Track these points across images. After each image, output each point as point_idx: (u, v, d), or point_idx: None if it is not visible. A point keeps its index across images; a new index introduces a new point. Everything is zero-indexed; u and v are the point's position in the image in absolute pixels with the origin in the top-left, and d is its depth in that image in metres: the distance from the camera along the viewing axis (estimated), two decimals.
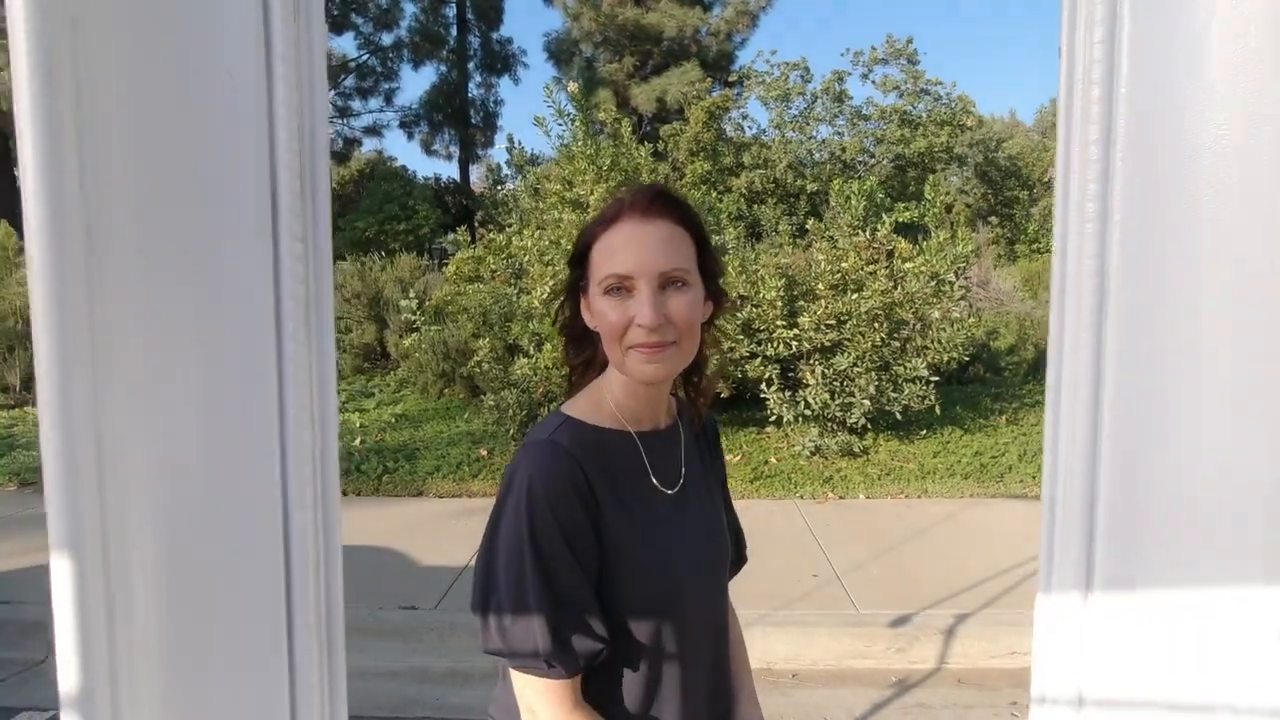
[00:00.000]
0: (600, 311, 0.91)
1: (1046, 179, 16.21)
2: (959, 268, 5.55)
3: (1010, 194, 15.92)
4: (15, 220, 8.12)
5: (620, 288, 0.90)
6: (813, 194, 12.16)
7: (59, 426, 0.26)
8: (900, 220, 6.33)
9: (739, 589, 1.14)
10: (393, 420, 6.56)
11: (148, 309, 0.29)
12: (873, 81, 13.73)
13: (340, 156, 25.69)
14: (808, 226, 7.60)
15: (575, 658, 0.86)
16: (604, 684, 0.93)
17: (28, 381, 6.69)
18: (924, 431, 5.90)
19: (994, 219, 15.94)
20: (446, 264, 8.43)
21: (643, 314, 0.87)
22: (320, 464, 0.32)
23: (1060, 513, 0.32)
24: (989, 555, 3.97)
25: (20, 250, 7.28)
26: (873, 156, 13.04)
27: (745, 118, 14.24)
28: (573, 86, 6.56)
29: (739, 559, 1.16)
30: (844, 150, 13.04)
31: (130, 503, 0.28)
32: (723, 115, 13.33)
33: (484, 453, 5.68)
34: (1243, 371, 0.30)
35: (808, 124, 13.11)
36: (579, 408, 0.98)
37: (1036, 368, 7.66)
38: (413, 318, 7.10)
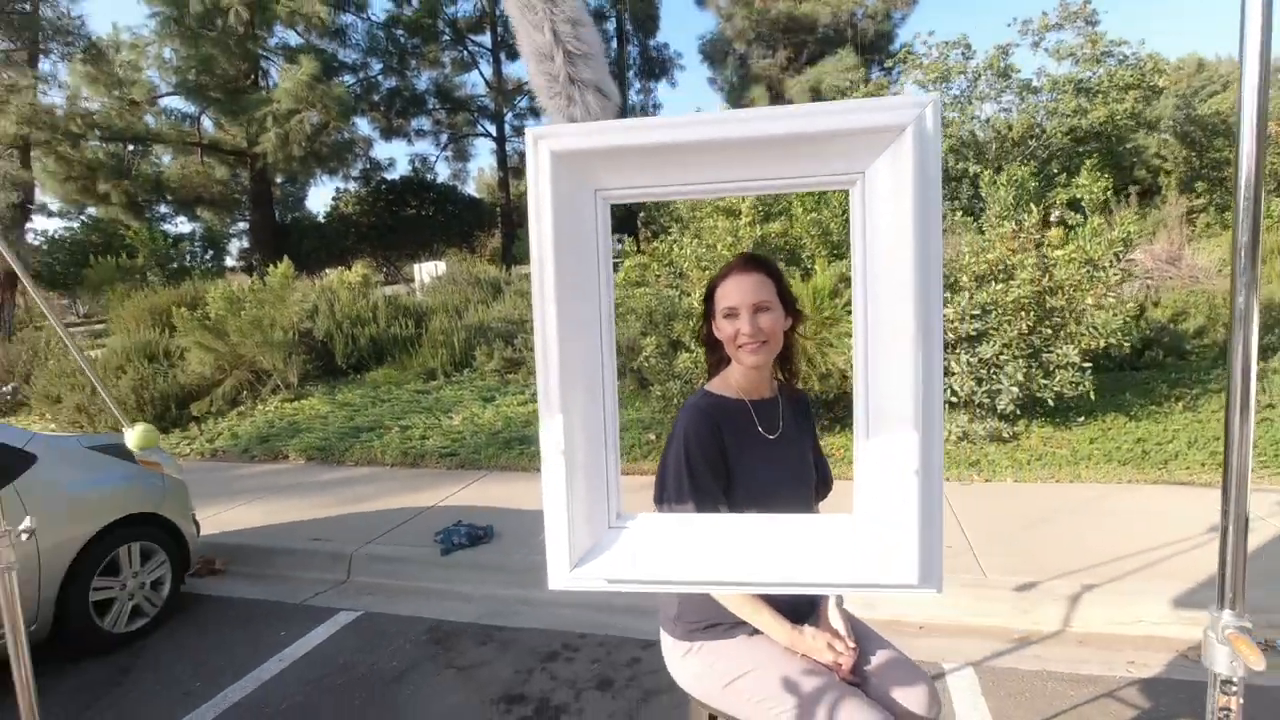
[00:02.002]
0: (721, 327, 1.58)
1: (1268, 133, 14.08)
2: (1117, 251, 5.44)
3: (1218, 154, 14.04)
4: (284, 254, 10.20)
5: (732, 313, 1.55)
6: (975, 176, 11.68)
7: (551, 358, 0.96)
8: (1065, 200, 6.21)
9: None
10: None
11: (568, 316, 0.99)
12: (1045, 50, 12.79)
13: (518, 171, 28.17)
14: (956, 218, 7.58)
15: None
16: None
17: (304, 379, 8.55)
18: (1081, 418, 5.84)
19: (1200, 184, 14.13)
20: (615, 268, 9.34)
21: (744, 328, 1.52)
22: (609, 369, 1.02)
23: (860, 410, 0.92)
24: (1132, 535, 4.02)
25: (297, 277, 9.23)
26: (1044, 131, 12.22)
27: None
28: (721, 106, 7.14)
29: (825, 485, 1.77)
30: (1010, 128, 12.33)
31: (574, 390, 0.97)
32: None
33: (652, 437, 6.36)
34: (902, 343, 0.88)
35: (969, 104, 12.52)
36: (714, 385, 1.66)
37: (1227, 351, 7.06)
38: None
